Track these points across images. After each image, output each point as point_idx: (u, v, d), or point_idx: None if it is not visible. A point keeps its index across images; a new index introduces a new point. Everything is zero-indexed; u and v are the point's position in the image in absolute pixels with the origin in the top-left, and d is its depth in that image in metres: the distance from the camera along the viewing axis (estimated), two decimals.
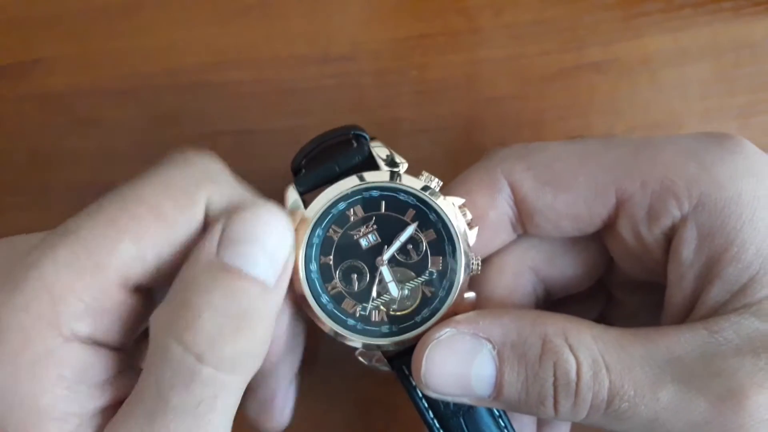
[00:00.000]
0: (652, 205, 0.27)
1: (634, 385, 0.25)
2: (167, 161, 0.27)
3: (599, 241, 0.31)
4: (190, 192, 0.26)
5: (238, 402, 0.25)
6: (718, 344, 0.25)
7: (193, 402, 0.23)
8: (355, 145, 0.28)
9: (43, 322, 0.23)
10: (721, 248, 0.26)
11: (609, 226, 0.29)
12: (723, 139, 0.28)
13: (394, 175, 0.28)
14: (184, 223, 0.25)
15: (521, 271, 0.31)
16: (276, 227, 0.25)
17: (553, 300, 0.33)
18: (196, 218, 0.26)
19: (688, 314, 0.27)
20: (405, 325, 0.28)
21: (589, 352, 0.25)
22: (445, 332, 0.26)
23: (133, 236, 0.24)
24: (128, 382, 0.25)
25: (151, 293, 0.27)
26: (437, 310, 0.28)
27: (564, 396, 0.25)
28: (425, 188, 0.28)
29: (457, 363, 0.26)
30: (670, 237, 0.28)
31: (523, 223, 0.30)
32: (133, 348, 0.27)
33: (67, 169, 0.39)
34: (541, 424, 0.33)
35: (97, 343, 0.25)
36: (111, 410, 0.25)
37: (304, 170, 0.29)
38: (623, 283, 0.33)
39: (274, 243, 0.25)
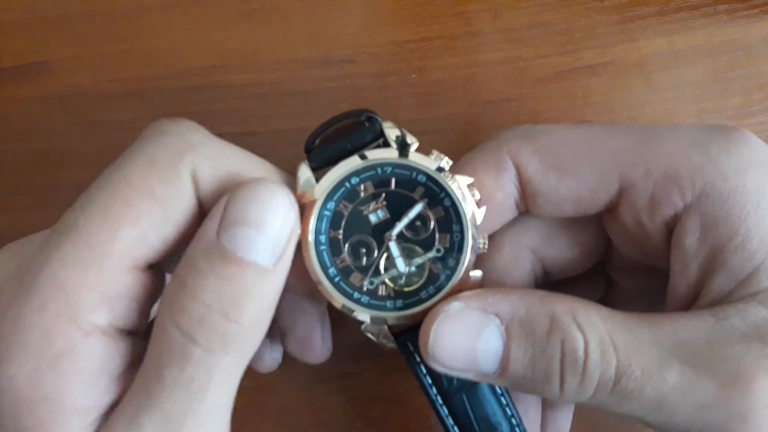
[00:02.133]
0: (655, 194, 0.28)
1: (641, 365, 0.25)
2: (145, 137, 0.26)
3: (597, 223, 0.31)
4: (172, 164, 0.26)
5: (238, 379, 0.25)
6: (724, 330, 0.25)
7: (186, 380, 0.24)
8: (367, 125, 0.29)
9: (61, 320, 0.24)
10: (726, 237, 0.26)
11: (610, 210, 0.29)
12: (728, 130, 0.28)
13: (403, 153, 0.28)
14: (174, 197, 0.26)
15: (519, 250, 0.31)
16: (277, 207, 0.25)
17: (553, 282, 0.33)
18: (185, 189, 0.26)
19: (692, 303, 0.28)
20: (411, 300, 0.28)
21: (597, 331, 0.25)
22: (454, 306, 0.26)
23: (129, 220, 0.25)
24: None
25: (161, 268, 0.27)
26: (443, 286, 0.28)
27: (571, 373, 0.25)
28: (435, 167, 0.28)
29: (464, 336, 0.26)
30: (672, 226, 0.28)
31: (526, 203, 0.30)
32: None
33: (72, 170, 0.39)
34: (544, 407, 0.33)
35: (117, 331, 0.25)
36: None
37: (316, 148, 0.29)
38: (623, 266, 0.33)
39: (274, 224, 0.24)
